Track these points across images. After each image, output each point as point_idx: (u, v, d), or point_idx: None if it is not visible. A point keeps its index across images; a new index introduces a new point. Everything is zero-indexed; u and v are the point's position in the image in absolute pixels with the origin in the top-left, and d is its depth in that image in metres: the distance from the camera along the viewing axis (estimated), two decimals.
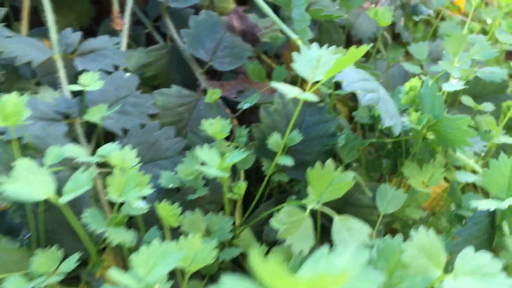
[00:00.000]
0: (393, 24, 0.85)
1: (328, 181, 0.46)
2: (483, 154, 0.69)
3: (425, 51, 0.77)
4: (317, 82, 0.50)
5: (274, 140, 0.65)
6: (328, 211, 0.48)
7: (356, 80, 0.55)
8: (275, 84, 0.45)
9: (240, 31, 0.81)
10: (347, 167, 0.71)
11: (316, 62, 0.49)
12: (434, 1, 0.87)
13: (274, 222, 0.48)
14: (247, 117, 0.76)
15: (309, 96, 0.45)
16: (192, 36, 0.73)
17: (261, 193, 0.75)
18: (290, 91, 0.44)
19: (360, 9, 0.95)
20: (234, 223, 0.66)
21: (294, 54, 0.50)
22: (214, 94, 0.65)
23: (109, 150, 0.52)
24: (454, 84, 0.63)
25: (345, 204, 0.64)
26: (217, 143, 0.63)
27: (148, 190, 0.48)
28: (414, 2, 0.82)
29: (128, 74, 0.69)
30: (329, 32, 0.92)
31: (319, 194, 0.47)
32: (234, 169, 0.67)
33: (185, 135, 0.71)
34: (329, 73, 0.47)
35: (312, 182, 0.46)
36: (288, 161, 0.63)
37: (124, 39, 0.77)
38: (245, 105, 0.68)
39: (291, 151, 0.67)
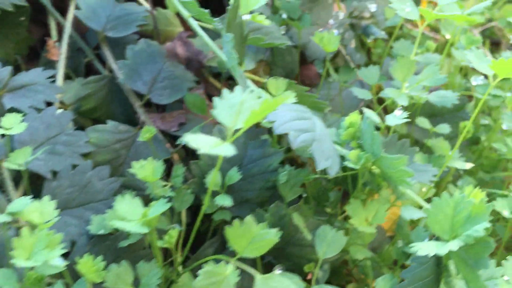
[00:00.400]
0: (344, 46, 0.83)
1: (248, 239, 0.43)
2: (432, 184, 0.67)
3: (376, 75, 0.74)
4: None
5: (212, 179, 0.61)
6: (249, 269, 0.45)
7: (288, 120, 0.53)
8: (187, 137, 0.42)
9: (185, 58, 0.77)
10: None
11: (238, 108, 0.46)
12: (387, 21, 0.84)
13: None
14: (192, 151, 0.73)
15: (226, 149, 0.42)
16: (129, 68, 0.69)
17: (206, 230, 0.72)
18: (202, 145, 0.41)
19: (315, 27, 0.92)
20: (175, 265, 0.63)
21: (215, 99, 0.47)
22: (147, 132, 0.61)
23: (22, 205, 0.48)
24: (397, 116, 0.60)
25: (288, 244, 0.61)
26: (150, 186, 0.60)
27: (59, 251, 0.45)
28: (365, 22, 0.80)
29: (60, 111, 0.66)
30: (282, 54, 0.89)
31: (241, 252, 0.44)
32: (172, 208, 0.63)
33: (122, 173, 0.67)
34: (248, 122, 0.44)
35: (231, 240, 0.43)
36: (226, 202, 0.60)
37: (60, 71, 0.73)
38: (183, 141, 0.65)
39: (232, 188, 0.64)
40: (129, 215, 0.48)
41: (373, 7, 0.80)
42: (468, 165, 0.74)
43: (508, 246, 0.95)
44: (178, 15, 0.87)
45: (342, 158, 0.58)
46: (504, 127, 0.80)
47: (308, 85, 0.94)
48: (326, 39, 0.71)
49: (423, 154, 0.77)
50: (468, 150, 0.96)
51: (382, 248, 0.73)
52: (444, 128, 0.81)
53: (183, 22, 0.88)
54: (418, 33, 0.71)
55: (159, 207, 0.48)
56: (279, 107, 0.54)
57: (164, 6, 0.88)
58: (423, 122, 0.82)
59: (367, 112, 0.59)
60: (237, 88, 0.47)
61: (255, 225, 0.43)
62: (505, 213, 0.73)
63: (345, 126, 0.58)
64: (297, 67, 0.91)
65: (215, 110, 0.46)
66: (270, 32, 0.72)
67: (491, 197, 0.94)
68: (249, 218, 0.44)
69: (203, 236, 0.73)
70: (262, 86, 0.66)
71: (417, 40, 0.70)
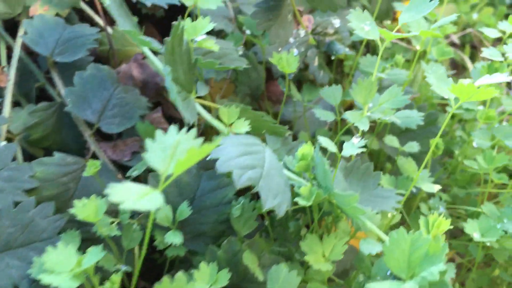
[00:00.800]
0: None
1: None
2: (396, 212, 0.64)
3: (339, 95, 0.71)
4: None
5: (163, 214, 0.58)
6: None
7: (233, 157, 0.50)
8: (109, 189, 0.38)
9: (141, 81, 0.74)
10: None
11: (172, 150, 0.43)
12: (353, 35, 0.81)
13: None
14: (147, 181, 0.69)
15: (153, 201, 0.38)
16: (77, 95, 0.66)
17: (163, 262, 0.69)
18: (125, 197, 0.37)
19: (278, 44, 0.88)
20: None
21: (147, 141, 0.43)
22: (92, 167, 0.58)
23: None
24: (355, 144, 0.57)
25: (243, 281, 0.58)
26: (96, 225, 0.57)
27: None
28: (328, 39, 0.76)
29: (3, 143, 0.62)
30: (246, 71, 0.86)
31: None
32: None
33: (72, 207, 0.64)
34: (177, 169, 0.40)
35: None
36: (177, 239, 0.57)
37: (7, 98, 0.69)
38: (134, 173, 0.62)
39: (186, 221, 0.61)
40: (60, 267, 0.45)
41: (337, 23, 0.77)
42: (436, 188, 0.72)
43: (486, 261, 0.93)
44: None
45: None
46: (474, 144, 0.77)
47: (275, 101, 0.92)
48: (285, 60, 0.68)
49: (390, 176, 0.74)
50: (441, 165, 0.94)
51: (354, 270, 0.70)
52: (413, 146, 0.78)
53: None
54: (387, 47, 0.69)
55: (93, 256, 0.45)
56: (225, 141, 0.52)
57: None
58: (391, 140, 0.80)
59: (322, 140, 0.56)
60: (171, 129, 0.44)
61: (187, 282, 0.40)
62: (475, 236, 0.70)
63: (297, 158, 0.54)
64: (263, 84, 0.88)
65: (146, 153, 0.43)
66: (226, 54, 0.68)
67: (467, 213, 0.92)
68: (180, 275, 0.40)
69: (161, 267, 0.70)
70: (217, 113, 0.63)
71: (378, 58, 0.67)
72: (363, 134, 0.85)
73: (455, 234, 0.96)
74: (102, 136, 0.70)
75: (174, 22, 0.51)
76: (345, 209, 0.52)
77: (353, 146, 0.57)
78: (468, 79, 0.93)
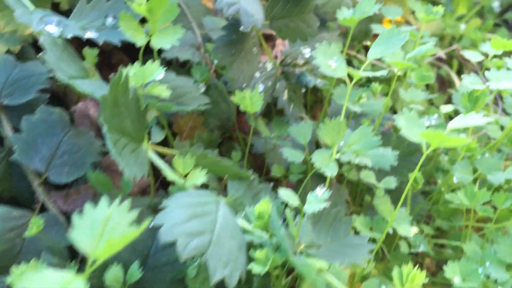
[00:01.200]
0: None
1: None
2: (366, 265, 0.60)
3: (308, 133, 0.67)
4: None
5: (112, 275, 0.54)
6: None
7: (179, 223, 0.45)
8: (23, 281, 0.34)
9: (97, 118, 0.70)
10: None
11: (101, 227, 0.38)
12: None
13: None
14: None
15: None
16: (24, 142, 0.61)
17: None
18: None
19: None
20: None
21: (75, 217, 0.39)
22: (34, 226, 0.53)
23: None
24: (319, 196, 0.53)
25: None
26: None
27: None
28: (299, 70, 0.72)
29: None
30: (216, 102, 0.81)
31: None
32: None
33: (20, 262, 0.59)
34: (104, 253, 0.36)
35: None
36: None
37: None
38: None
39: (140, 280, 0.56)
40: None
41: (307, 52, 0.72)
42: (413, 231, 0.67)
43: None
44: (97, 66, 0.79)
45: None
46: (455, 180, 0.73)
47: (247, 132, 0.87)
48: (248, 99, 0.63)
49: (364, 217, 0.69)
50: (423, 196, 0.89)
51: None
52: (390, 182, 0.74)
53: (103, 75, 0.80)
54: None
55: None
56: (171, 203, 0.47)
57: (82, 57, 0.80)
58: (368, 176, 0.75)
59: (283, 194, 0.52)
60: (103, 200, 0.40)
61: None
62: (456, 280, 0.66)
63: (254, 216, 0.50)
64: (233, 115, 0.83)
65: (72, 231, 0.38)
66: (186, 92, 0.64)
67: (450, 247, 0.87)
68: None
69: None
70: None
71: (348, 93, 0.62)
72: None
73: (440, 264, 0.91)
74: (54, 184, 0.65)
75: (111, 75, 0.46)
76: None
77: (317, 200, 0.52)
78: (450, 105, 0.89)
